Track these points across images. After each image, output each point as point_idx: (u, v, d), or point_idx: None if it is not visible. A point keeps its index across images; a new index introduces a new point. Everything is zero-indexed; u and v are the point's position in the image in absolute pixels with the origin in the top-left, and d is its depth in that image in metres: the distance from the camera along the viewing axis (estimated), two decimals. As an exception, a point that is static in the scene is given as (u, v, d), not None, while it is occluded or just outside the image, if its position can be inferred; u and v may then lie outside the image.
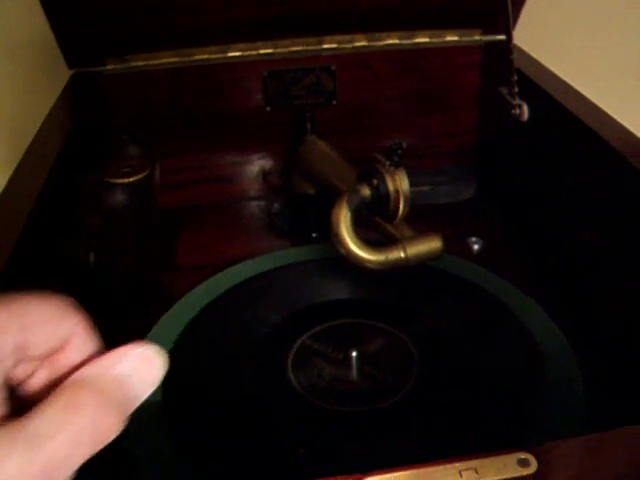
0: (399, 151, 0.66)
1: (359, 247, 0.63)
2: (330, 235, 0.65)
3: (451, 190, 0.92)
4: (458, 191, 0.92)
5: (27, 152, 0.70)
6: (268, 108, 0.91)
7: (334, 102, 0.92)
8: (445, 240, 0.67)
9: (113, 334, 0.70)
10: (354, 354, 0.64)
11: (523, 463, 0.35)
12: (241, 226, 0.92)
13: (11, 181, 0.64)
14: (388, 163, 0.66)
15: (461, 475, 0.34)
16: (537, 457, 0.36)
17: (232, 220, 0.94)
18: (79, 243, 0.63)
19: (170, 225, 0.91)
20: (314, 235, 0.86)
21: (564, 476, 0.35)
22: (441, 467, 0.35)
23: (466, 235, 0.84)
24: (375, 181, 0.66)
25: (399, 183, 0.66)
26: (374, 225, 0.70)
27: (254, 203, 0.96)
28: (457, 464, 0.35)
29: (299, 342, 0.67)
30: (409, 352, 0.66)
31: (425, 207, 0.86)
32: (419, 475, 0.34)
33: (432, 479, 0.34)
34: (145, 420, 0.59)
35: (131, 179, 0.73)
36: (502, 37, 0.88)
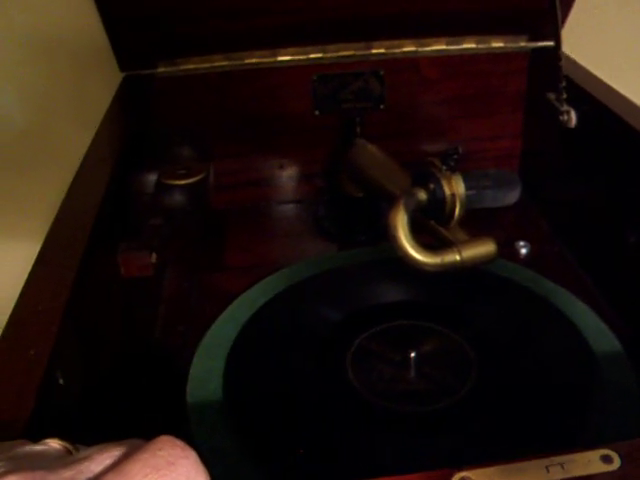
0: (455, 156, 0.67)
1: (416, 250, 0.64)
2: (387, 238, 0.65)
3: (496, 194, 0.92)
4: (503, 195, 0.93)
5: (86, 156, 0.71)
6: (317, 112, 0.92)
7: (382, 106, 0.93)
8: (495, 244, 0.68)
9: (173, 335, 0.72)
10: (412, 355, 0.65)
11: (606, 460, 0.36)
12: (287, 228, 0.94)
13: (73, 185, 0.66)
14: (444, 167, 0.67)
15: (548, 470, 0.35)
16: (620, 454, 0.36)
17: (279, 222, 0.95)
18: (141, 244, 0.64)
19: (218, 226, 0.93)
20: (363, 238, 0.87)
21: (647, 473, 0.36)
22: (528, 462, 0.36)
23: (513, 239, 0.85)
24: (431, 185, 0.67)
25: (455, 187, 0.67)
26: (428, 228, 0.71)
27: (300, 205, 0.97)
28: (544, 460, 0.36)
29: (357, 343, 0.68)
30: (465, 353, 0.67)
31: (471, 211, 0.87)
32: (508, 470, 0.35)
33: (520, 474, 0.35)
34: (208, 418, 0.60)
35: (189, 180, 0.74)
36: (548, 43, 0.89)
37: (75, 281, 0.52)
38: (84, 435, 0.49)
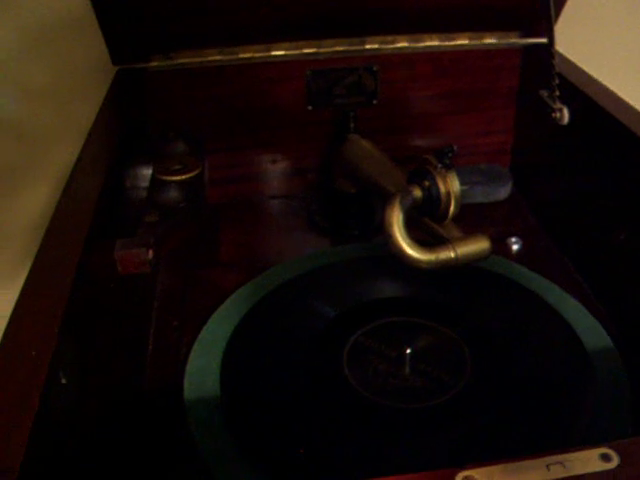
0: (450, 153, 0.67)
1: (411, 247, 0.65)
2: (382, 234, 0.66)
3: (487, 190, 0.93)
4: (494, 191, 0.93)
5: (82, 152, 0.71)
6: (310, 107, 0.92)
7: (374, 102, 0.93)
8: (488, 240, 0.68)
9: (167, 331, 0.72)
10: (408, 351, 0.65)
11: (606, 458, 0.37)
12: (280, 223, 0.94)
13: (71, 180, 0.65)
14: (440, 165, 0.67)
15: (549, 469, 0.36)
16: (619, 452, 0.37)
17: (271, 217, 0.95)
18: (138, 241, 0.64)
19: (210, 221, 0.93)
20: (356, 233, 0.87)
21: (645, 471, 0.37)
22: (530, 461, 0.36)
23: (503, 235, 0.85)
24: (427, 183, 0.68)
25: (450, 185, 0.67)
26: (422, 225, 0.71)
27: (293, 200, 0.97)
28: (545, 458, 0.36)
29: (352, 339, 0.69)
30: (459, 349, 0.68)
31: (461, 207, 0.87)
32: (510, 468, 0.36)
33: (522, 472, 0.36)
34: (205, 415, 0.60)
35: (185, 176, 0.74)
36: (540, 40, 0.89)
37: (74, 280, 0.52)
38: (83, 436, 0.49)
